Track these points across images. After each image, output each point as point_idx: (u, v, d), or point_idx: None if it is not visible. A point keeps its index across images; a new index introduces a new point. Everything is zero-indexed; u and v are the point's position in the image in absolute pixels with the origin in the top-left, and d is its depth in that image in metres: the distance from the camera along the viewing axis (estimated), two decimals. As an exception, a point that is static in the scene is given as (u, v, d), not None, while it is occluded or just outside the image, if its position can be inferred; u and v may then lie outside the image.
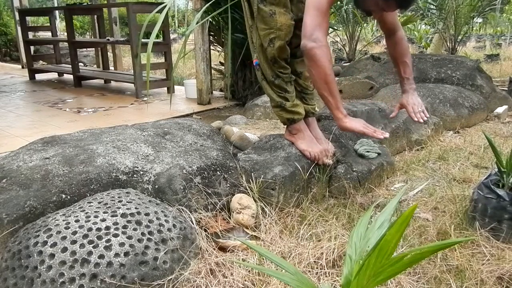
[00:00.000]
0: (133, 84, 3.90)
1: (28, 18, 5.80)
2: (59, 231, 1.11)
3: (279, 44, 1.62)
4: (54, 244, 1.07)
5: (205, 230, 1.39)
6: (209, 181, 1.54)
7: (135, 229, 1.16)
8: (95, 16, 5.00)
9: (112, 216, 1.18)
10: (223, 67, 4.04)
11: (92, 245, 1.08)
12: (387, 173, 1.93)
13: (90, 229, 1.12)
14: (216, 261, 1.23)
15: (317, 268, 1.21)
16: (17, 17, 5.61)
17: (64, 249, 1.06)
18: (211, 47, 3.71)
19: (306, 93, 1.86)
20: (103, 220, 1.16)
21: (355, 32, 6.31)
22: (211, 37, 3.71)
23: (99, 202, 1.25)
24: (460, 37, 5.56)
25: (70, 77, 4.73)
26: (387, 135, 1.54)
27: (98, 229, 1.13)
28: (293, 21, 1.65)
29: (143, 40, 2.35)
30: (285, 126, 1.81)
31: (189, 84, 3.78)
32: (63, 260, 1.04)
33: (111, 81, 4.73)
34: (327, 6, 1.47)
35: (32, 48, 5.55)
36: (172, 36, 10.45)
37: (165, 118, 2.77)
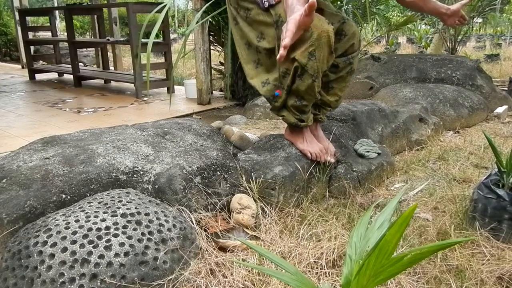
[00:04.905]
0: (133, 84, 3.90)
1: (28, 18, 5.79)
2: (59, 231, 1.11)
3: (323, 54, 1.48)
4: (54, 244, 1.07)
5: (205, 230, 1.39)
6: (209, 181, 1.54)
7: (135, 229, 1.16)
8: (95, 16, 4.99)
9: (112, 216, 1.18)
10: (223, 67, 4.04)
11: (92, 245, 1.08)
12: (387, 173, 1.93)
13: (90, 229, 1.12)
14: (216, 261, 1.23)
15: (317, 268, 1.21)
16: (17, 17, 5.60)
17: (64, 249, 1.06)
18: (211, 47, 3.71)
19: (324, 107, 1.78)
20: (103, 220, 1.16)
21: (355, 32, 6.30)
22: (211, 37, 3.71)
23: (99, 202, 1.25)
24: (460, 37, 5.57)
25: (70, 77, 4.73)
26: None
27: (98, 229, 1.13)
28: (332, 25, 1.51)
29: (143, 40, 2.35)
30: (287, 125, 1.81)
31: (189, 84, 3.78)
32: (63, 260, 1.04)
33: (111, 81, 4.73)
34: None
35: (32, 48, 5.55)
36: (172, 36, 10.45)
37: (165, 118, 2.77)
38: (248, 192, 1.57)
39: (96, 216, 1.17)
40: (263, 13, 1.58)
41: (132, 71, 3.91)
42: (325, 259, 1.22)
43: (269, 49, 1.58)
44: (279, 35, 1.27)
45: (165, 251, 1.15)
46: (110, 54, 5.35)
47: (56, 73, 5.23)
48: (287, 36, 1.07)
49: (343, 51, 1.65)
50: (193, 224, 1.35)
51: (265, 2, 1.55)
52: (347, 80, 1.72)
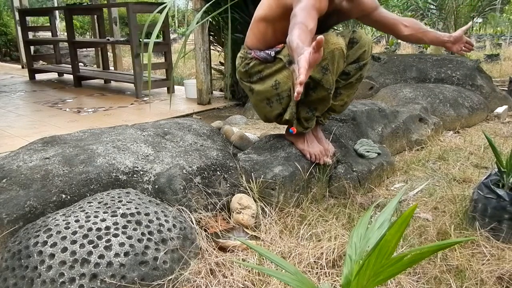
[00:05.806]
0: (133, 84, 3.90)
1: (28, 18, 5.79)
2: (59, 231, 1.11)
3: (338, 66, 1.51)
4: (54, 244, 1.07)
5: (205, 230, 1.39)
6: (209, 181, 1.54)
7: (135, 229, 1.16)
8: (95, 16, 4.99)
9: (112, 216, 1.18)
10: (223, 67, 4.04)
11: (92, 245, 1.08)
12: (387, 173, 1.93)
13: (90, 229, 1.12)
14: (216, 261, 1.23)
15: (317, 268, 1.21)
16: (17, 17, 5.60)
17: (64, 249, 1.06)
18: (211, 47, 3.70)
19: (328, 112, 1.77)
20: (103, 220, 1.16)
21: (355, 32, 6.29)
22: (211, 37, 3.71)
23: (99, 202, 1.25)
24: (460, 37, 5.55)
25: (70, 77, 4.73)
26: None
27: (98, 229, 1.13)
28: (343, 37, 1.54)
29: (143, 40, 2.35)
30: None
31: (189, 84, 3.78)
32: (63, 260, 1.04)
33: (111, 81, 4.73)
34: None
35: (32, 48, 5.55)
36: (172, 36, 10.44)
37: (165, 118, 2.77)
38: (248, 192, 1.57)
39: (96, 216, 1.17)
40: (273, 64, 1.63)
41: (132, 71, 3.91)
42: (325, 259, 1.22)
43: (288, 89, 1.62)
44: (293, 69, 1.29)
45: (165, 251, 1.15)
46: (110, 54, 5.35)
47: (56, 73, 5.23)
48: (301, 73, 1.10)
49: (355, 58, 1.65)
50: (193, 224, 1.35)
51: (271, 53, 1.61)
52: (356, 87, 1.73)
